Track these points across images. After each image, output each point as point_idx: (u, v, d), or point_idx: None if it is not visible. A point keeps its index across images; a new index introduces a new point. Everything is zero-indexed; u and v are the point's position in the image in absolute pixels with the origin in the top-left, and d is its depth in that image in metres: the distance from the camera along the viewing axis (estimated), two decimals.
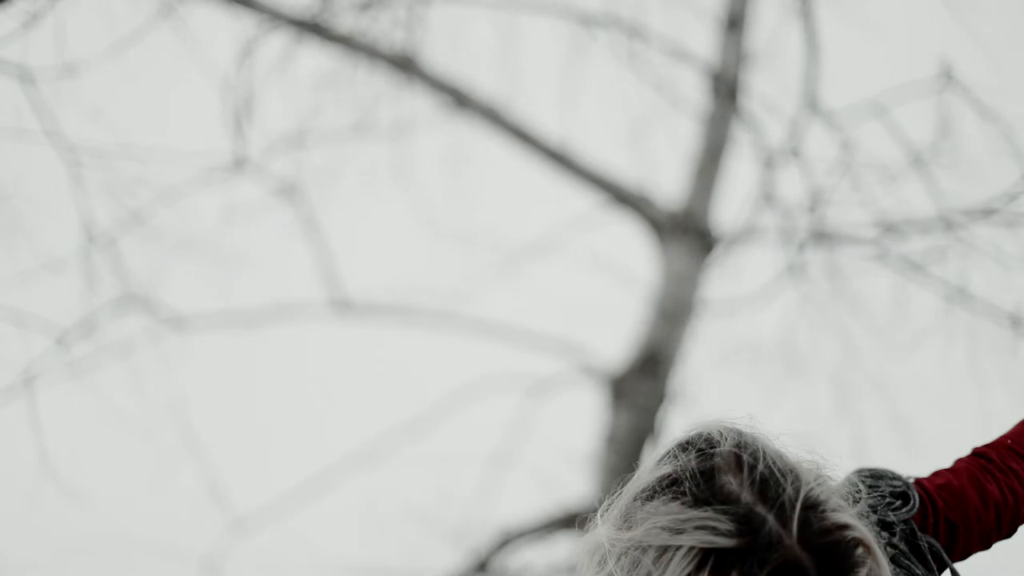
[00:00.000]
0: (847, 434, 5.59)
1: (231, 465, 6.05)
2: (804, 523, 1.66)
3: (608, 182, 6.55)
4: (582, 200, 6.72)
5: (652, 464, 1.80)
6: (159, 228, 5.61)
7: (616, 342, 6.56)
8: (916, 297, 4.86)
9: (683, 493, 1.71)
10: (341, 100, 6.18)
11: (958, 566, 2.02)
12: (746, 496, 1.68)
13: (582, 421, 6.50)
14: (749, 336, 6.43)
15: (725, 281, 6.40)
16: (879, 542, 1.73)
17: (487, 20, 6.26)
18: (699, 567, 1.64)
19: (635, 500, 1.77)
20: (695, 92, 6.36)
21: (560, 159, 6.55)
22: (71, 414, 5.35)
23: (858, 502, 1.77)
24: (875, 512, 1.90)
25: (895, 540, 1.93)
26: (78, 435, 5.40)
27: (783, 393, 6.09)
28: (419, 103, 6.43)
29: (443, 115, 6.53)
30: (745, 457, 1.72)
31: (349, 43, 6.11)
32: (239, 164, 5.73)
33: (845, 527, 1.68)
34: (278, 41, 5.85)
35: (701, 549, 1.64)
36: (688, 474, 1.72)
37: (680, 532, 1.66)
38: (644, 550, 1.69)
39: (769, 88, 5.96)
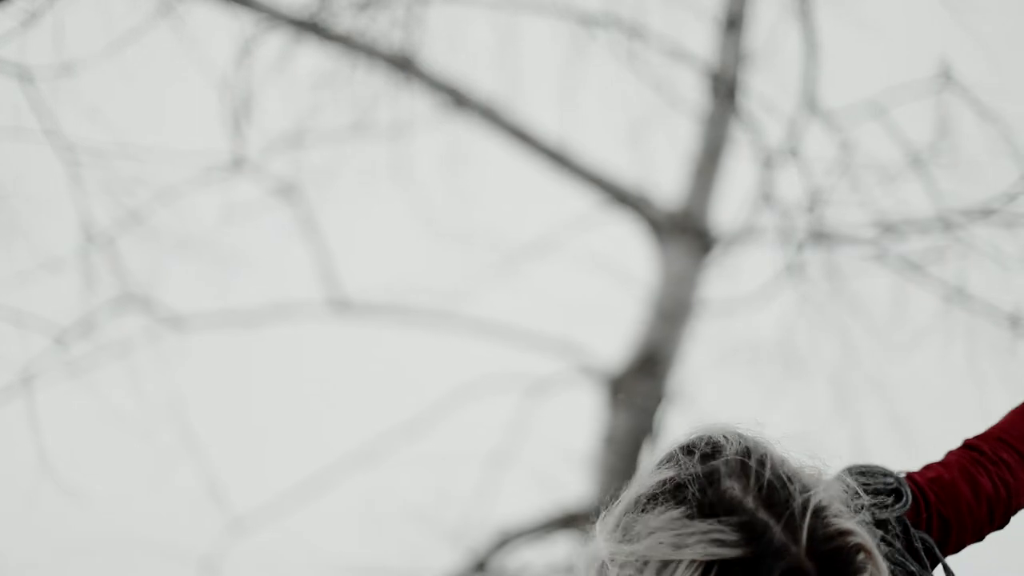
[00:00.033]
0: (846, 434, 5.60)
1: (229, 465, 6.05)
2: (809, 530, 1.65)
3: (607, 182, 6.55)
4: (581, 200, 6.72)
5: (653, 467, 1.78)
6: (157, 227, 5.61)
7: (614, 342, 6.56)
8: (915, 297, 4.86)
9: (685, 500, 1.69)
10: (339, 100, 6.18)
11: (951, 559, 2.01)
12: (751, 503, 1.67)
13: (580, 421, 6.50)
14: (748, 336, 6.43)
15: (724, 281, 6.41)
16: (878, 544, 1.73)
17: (486, 20, 6.26)
18: None
19: (635, 505, 1.74)
20: (694, 92, 6.37)
21: (559, 159, 6.55)
22: (70, 413, 5.35)
23: (859, 510, 1.77)
24: (868, 509, 1.90)
25: (888, 538, 1.92)
26: (77, 434, 5.39)
27: (782, 393, 6.09)
28: (418, 103, 6.43)
29: (442, 115, 6.53)
30: (749, 463, 1.71)
31: (348, 43, 6.11)
32: (237, 164, 5.73)
33: (847, 533, 1.67)
34: (276, 40, 5.85)
35: (704, 561, 1.64)
36: (691, 479, 1.70)
37: (683, 547, 1.65)
38: (646, 563, 1.68)
39: (768, 88, 5.96)
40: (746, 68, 6.15)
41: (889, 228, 4.80)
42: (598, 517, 1.81)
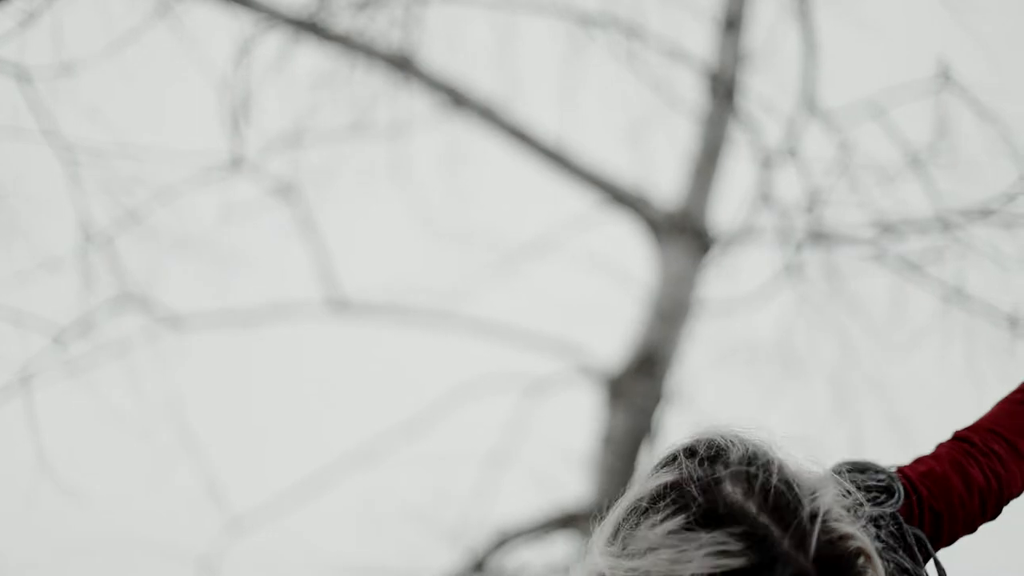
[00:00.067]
0: (845, 434, 5.60)
1: (228, 464, 6.05)
2: (811, 536, 1.64)
3: (605, 182, 6.55)
4: (579, 200, 6.72)
5: (652, 470, 1.77)
6: (156, 227, 5.61)
7: (613, 342, 6.56)
8: (914, 297, 4.86)
9: (687, 507, 1.68)
10: (338, 99, 6.18)
11: (944, 552, 2.01)
12: (754, 510, 1.66)
13: (579, 421, 6.50)
14: (746, 336, 6.43)
15: (722, 281, 6.41)
16: (874, 544, 1.73)
17: (484, 20, 6.26)
18: None
19: (634, 510, 1.73)
20: (693, 92, 6.37)
21: (557, 159, 6.55)
22: (68, 413, 5.34)
23: (857, 510, 1.76)
24: (863, 507, 1.89)
25: (882, 535, 1.92)
26: (75, 434, 5.39)
27: (780, 393, 6.09)
28: (416, 102, 6.43)
29: (440, 115, 6.53)
30: (750, 468, 1.69)
31: (346, 42, 6.11)
32: (236, 163, 5.73)
33: (848, 537, 1.67)
34: (275, 40, 5.84)
35: (710, 574, 1.62)
36: (692, 484, 1.69)
37: (687, 561, 1.63)
38: (647, 574, 1.66)
39: (767, 88, 5.96)
40: (745, 68, 6.15)
41: (888, 228, 4.80)
42: (595, 525, 1.79)
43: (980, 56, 4.35)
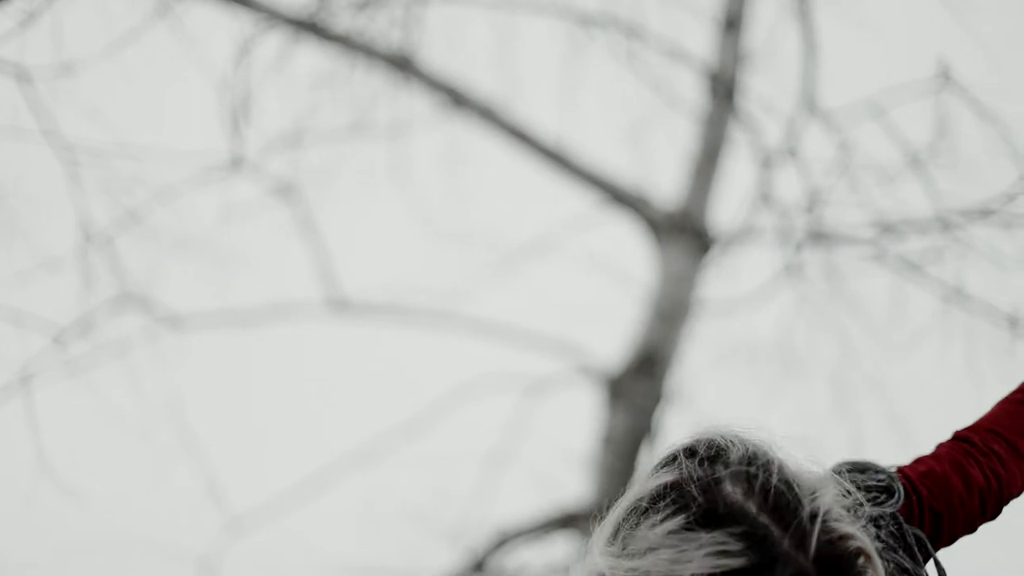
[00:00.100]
0: (845, 434, 5.60)
1: (228, 464, 6.05)
2: (811, 536, 1.64)
3: (605, 182, 6.55)
4: (579, 200, 6.72)
5: (652, 470, 1.76)
6: (156, 227, 5.61)
7: (613, 342, 6.56)
8: (914, 297, 4.86)
9: (687, 507, 1.67)
10: (338, 99, 6.18)
11: (944, 552, 2.01)
12: (754, 510, 1.66)
13: (579, 421, 6.50)
14: (746, 336, 6.43)
15: (722, 281, 6.41)
16: (874, 544, 1.72)
17: (484, 20, 6.26)
18: None
19: (634, 510, 1.72)
20: (693, 92, 6.37)
21: (557, 159, 6.55)
22: (68, 413, 5.34)
23: (857, 510, 1.76)
24: (863, 507, 1.89)
25: (882, 535, 1.92)
26: (75, 434, 5.39)
27: (780, 393, 6.09)
28: (416, 103, 6.43)
29: (440, 115, 6.53)
30: (751, 468, 1.69)
31: (346, 42, 6.11)
32: (236, 163, 5.73)
33: (848, 537, 1.67)
34: (275, 40, 5.85)
35: (709, 574, 1.62)
36: (692, 484, 1.69)
37: (687, 561, 1.63)
38: (647, 574, 1.66)
39: (767, 88, 5.96)
40: (745, 68, 6.15)
41: (888, 228, 4.80)
42: (595, 525, 1.79)
43: (980, 56, 4.35)
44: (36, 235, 5.05)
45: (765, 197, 5.58)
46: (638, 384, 6.24)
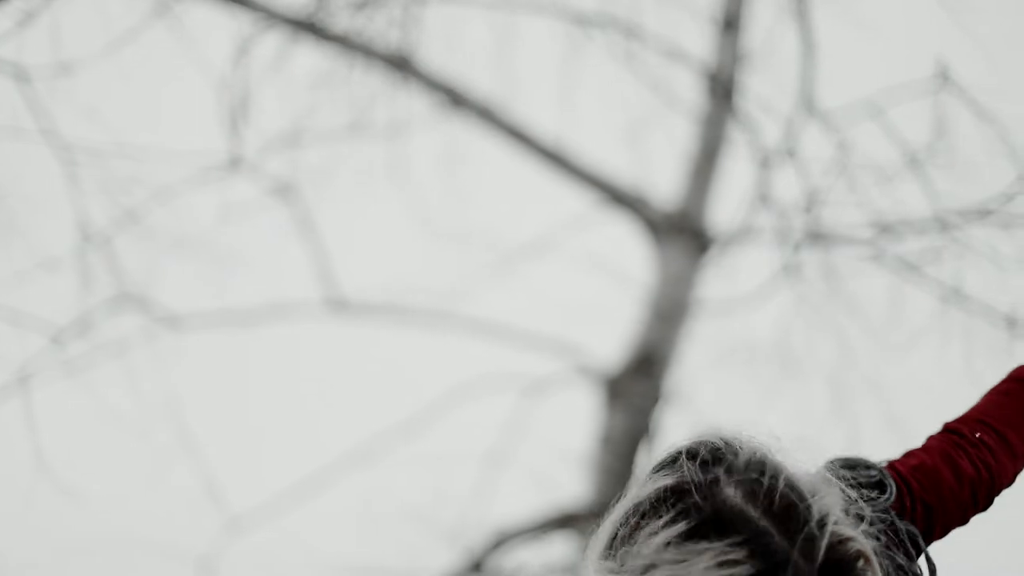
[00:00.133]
0: (843, 435, 5.60)
1: (226, 464, 6.05)
2: (814, 539, 1.63)
3: (604, 182, 6.55)
4: (578, 200, 6.72)
5: (650, 473, 1.73)
6: (154, 227, 5.61)
7: (611, 342, 6.56)
8: (912, 298, 4.86)
9: (687, 513, 1.65)
10: (337, 99, 6.17)
11: (942, 550, 2.00)
12: (755, 514, 1.64)
13: (577, 421, 6.50)
14: (745, 336, 6.43)
15: (721, 281, 6.41)
16: (874, 545, 1.72)
17: (483, 20, 6.26)
18: None
19: (632, 516, 1.69)
20: (691, 92, 6.37)
21: (556, 159, 6.55)
22: (66, 413, 5.34)
23: (854, 507, 1.75)
24: (858, 506, 1.88)
25: (876, 532, 1.91)
26: (74, 434, 5.39)
27: (778, 394, 6.09)
28: (415, 102, 6.43)
29: (439, 114, 6.53)
30: (752, 472, 1.67)
31: (345, 42, 6.10)
32: (234, 163, 5.73)
33: (848, 540, 1.66)
34: (274, 40, 5.84)
35: None
36: (692, 489, 1.66)
37: (689, 574, 1.62)
38: None
39: (765, 88, 5.96)
40: (743, 68, 6.15)
41: (886, 228, 4.80)
42: (593, 531, 1.76)
43: (978, 56, 4.35)
44: (34, 235, 5.05)
45: (763, 197, 5.58)
46: (636, 384, 6.25)
